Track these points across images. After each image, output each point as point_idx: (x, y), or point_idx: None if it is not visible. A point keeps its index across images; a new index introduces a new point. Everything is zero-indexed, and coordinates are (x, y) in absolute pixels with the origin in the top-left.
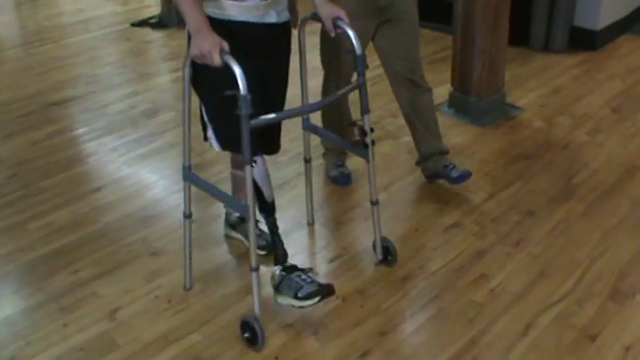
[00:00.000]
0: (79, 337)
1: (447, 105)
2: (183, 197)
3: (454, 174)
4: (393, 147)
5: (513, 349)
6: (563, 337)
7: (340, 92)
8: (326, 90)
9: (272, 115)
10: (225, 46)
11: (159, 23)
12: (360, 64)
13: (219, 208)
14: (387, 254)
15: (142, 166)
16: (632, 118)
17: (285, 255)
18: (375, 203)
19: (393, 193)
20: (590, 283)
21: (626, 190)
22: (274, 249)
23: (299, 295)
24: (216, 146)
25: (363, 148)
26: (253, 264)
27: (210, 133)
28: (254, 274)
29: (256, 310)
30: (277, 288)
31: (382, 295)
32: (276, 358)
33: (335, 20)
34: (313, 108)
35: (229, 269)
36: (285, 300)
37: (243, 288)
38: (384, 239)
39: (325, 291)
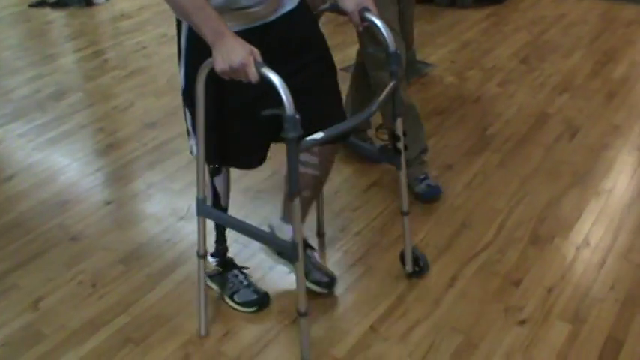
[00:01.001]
0: (1, 333)
1: None
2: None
3: (420, 189)
4: None
5: (441, 300)
6: (489, 285)
7: (381, 98)
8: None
9: (320, 135)
10: (258, 54)
11: (58, 3)
12: (394, 62)
13: (138, 187)
14: (417, 264)
15: (53, 150)
16: (539, 67)
17: (225, 249)
18: (406, 214)
19: None
20: (510, 230)
21: (538, 138)
22: (219, 240)
23: (235, 298)
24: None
25: (393, 154)
26: (302, 308)
27: (192, 142)
28: (302, 320)
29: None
30: (210, 276)
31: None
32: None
33: (362, 12)
34: (364, 118)
35: (151, 248)
36: (217, 289)
37: (167, 265)
38: (414, 249)
39: (261, 302)
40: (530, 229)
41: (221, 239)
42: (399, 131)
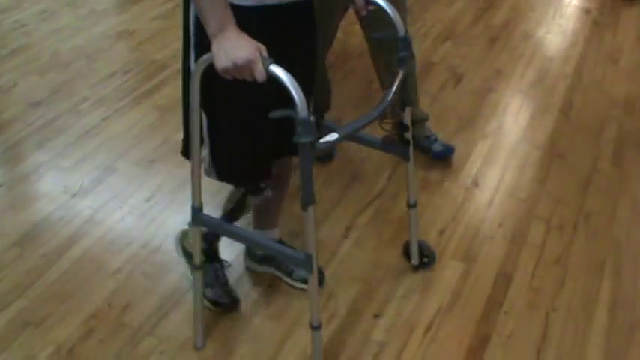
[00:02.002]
0: None
1: None
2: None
3: (437, 148)
4: None
5: (337, 251)
6: (383, 233)
7: (393, 89)
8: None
9: (335, 136)
10: (264, 50)
11: None
12: (404, 47)
13: (27, 167)
14: (423, 256)
15: None
16: (422, 18)
17: (217, 238)
18: (412, 206)
19: None
20: (399, 178)
21: (424, 87)
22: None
23: (205, 294)
24: (208, 171)
25: (401, 145)
26: (316, 322)
27: (205, 152)
28: (316, 334)
29: None
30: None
31: None
32: (108, 302)
33: None
34: (378, 113)
35: (45, 228)
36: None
37: (63, 243)
38: (420, 242)
39: (230, 308)
40: (421, 175)
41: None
42: (408, 121)
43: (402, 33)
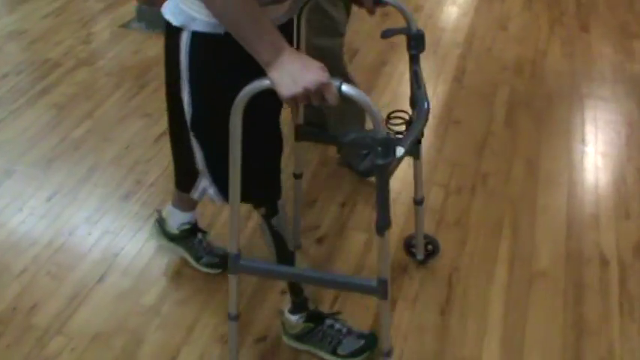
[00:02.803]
0: None
1: (136, 20)
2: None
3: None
4: (89, 73)
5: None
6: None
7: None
8: None
9: (401, 151)
10: (325, 69)
11: None
12: (417, 44)
13: None
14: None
15: None
16: None
17: (307, 299)
18: (419, 203)
19: (98, 117)
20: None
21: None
22: (295, 292)
23: (339, 352)
24: (217, 199)
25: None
26: (387, 348)
27: (205, 183)
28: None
29: None
30: (300, 337)
31: (108, 219)
32: (13, 306)
33: None
34: (423, 117)
35: None
36: (314, 351)
37: None
38: (426, 237)
39: (370, 345)
40: (319, 151)
41: (296, 289)
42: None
43: (415, 29)
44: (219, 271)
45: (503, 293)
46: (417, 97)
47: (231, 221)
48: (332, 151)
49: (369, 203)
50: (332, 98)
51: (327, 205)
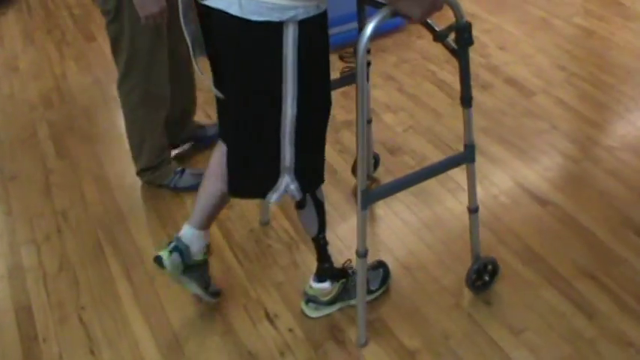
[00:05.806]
0: None
1: None
2: None
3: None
4: None
5: None
6: None
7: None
8: None
9: None
10: None
11: None
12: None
13: None
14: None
15: None
16: None
17: (333, 263)
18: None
19: None
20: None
21: None
22: (325, 259)
23: (372, 288)
24: (298, 194)
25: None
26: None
27: (287, 180)
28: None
29: None
30: (334, 300)
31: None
32: None
33: None
34: None
35: None
36: (347, 303)
37: None
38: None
39: (386, 267)
40: None
41: (327, 256)
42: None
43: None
44: (217, 300)
45: (133, 302)
46: None
47: (360, 159)
48: None
49: None
50: (440, 4)
51: None
